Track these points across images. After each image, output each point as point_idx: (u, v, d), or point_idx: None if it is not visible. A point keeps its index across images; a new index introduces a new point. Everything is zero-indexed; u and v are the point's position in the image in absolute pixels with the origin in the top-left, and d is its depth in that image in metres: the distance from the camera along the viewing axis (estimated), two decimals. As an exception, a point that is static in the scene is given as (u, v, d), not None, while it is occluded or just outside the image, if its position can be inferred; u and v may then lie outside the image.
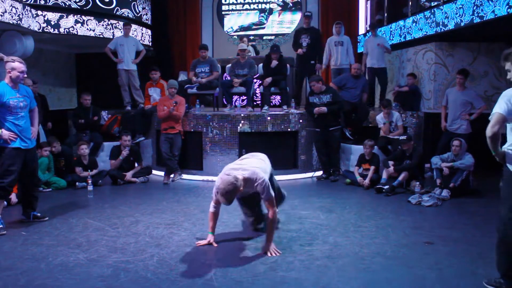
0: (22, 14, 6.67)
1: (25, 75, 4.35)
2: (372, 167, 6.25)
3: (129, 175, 6.59)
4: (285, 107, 7.35)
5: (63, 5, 7.65)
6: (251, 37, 11.40)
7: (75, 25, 7.82)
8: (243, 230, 4.32)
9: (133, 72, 8.10)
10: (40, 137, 7.05)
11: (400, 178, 5.86)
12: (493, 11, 5.42)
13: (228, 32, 11.58)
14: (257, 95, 8.67)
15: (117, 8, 8.48)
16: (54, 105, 8.98)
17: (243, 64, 7.42)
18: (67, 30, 7.72)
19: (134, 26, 8.61)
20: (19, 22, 6.55)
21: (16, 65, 4.23)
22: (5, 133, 4.22)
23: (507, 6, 5.15)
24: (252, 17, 11.57)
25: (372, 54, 8.02)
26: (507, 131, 2.88)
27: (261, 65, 7.71)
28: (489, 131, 2.76)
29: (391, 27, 8.72)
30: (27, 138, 4.38)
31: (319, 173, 6.97)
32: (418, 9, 7.72)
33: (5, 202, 5.10)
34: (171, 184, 6.56)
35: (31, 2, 7.23)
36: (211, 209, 3.90)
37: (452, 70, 7.33)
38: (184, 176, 6.88)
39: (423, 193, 5.48)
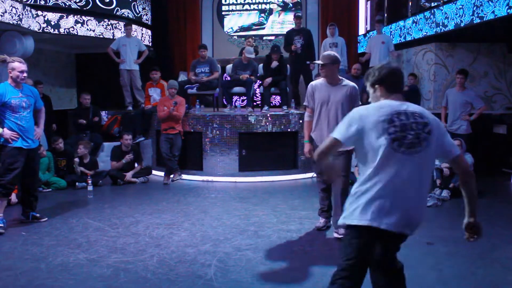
0: (22, 14, 6.67)
1: (25, 75, 4.36)
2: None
3: (129, 175, 6.59)
4: (285, 107, 7.35)
5: (63, 6, 7.65)
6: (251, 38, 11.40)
7: (75, 25, 7.82)
8: (244, 230, 4.32)
9: (135, 72, 8.09)
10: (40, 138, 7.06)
11: (400, 178, 5.85)
12: (493, 12, 5.42)
13: (228, 32, 11.58)
14: (257, 95, 8.67)
15: (117, 8, 8.48)
16: (54, 105, 8.96)
17: (246, 65, 7.40)
18: (67, 31, 7.72)
19: (134, 27, 8.61)
20: (19, 22, 6.55)
21: (16, 65, 4.26)
22: (7, 132, 4.24)
23: (507, 7, 5.16)
24: (252, 18, 11.57)
25: (375, 52, 7.89)
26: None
27: (261, 65, 7.71)
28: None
29: (391, 28, 8.73)
30: (29, 138, 4.38)
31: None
32: (418, 10, 7.73)
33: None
34: (171, 184, 6.56)
35: (31, 2, 7.23)
36: (306, 118, 4.16)
37: (452, 70, 7.34)
38: (184, 176, 6.88)
39: (423, 194, 5.47)
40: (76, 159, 6.43)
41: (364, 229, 2.03)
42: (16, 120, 4.28)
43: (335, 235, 4.04)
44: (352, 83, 4.06)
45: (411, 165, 2.01)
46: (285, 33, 11.22)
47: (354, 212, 2.06)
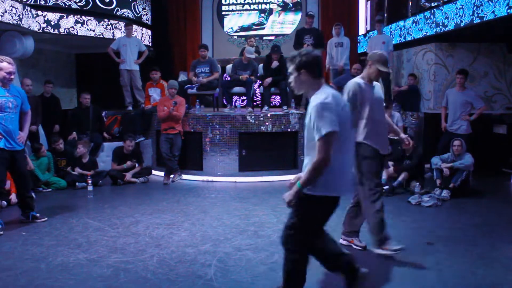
0: (22, 14, 6.67)
1: (13, 76, 4.29)
2: (372, 168, 6.23)
3: (129, 175, 6.59)
4: (285, 107, 7.35)
5: (63, 6, 7.65)
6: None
7: (75, 25, 7.82)
8: (244, 230, 4.32)
9: (135, 72, 8.09)
10: (40, 138, 7.06)
11: (400, 178, 5.86)
12: (493, 12, 5.42)
13: (228, 32, 11.58)
14: (257, 95, 8.67)
15: (117, 8, 8.48)
16: (54, 105, 8.98)
17: (246, 65, 7.41)
18: (67, 31, 7.72)
19: (134, 27, 8.61)
20: (19, 22, 6.55)
21: (4, 65, 4.19)
22: None
23: (507, 7, 5.16)
24: (252, 18, 11.57)
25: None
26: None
27: (261, 65, 7.71)
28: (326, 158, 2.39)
29: (391, 28, 8.73)
30: (13, 139, 4.30)
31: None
32: (418, 10, 7.73)
33: (5, 202, 5.13)
34: (171, 184, 6.56)
35: (31, 2, 7.23)
36: None
37: (452, 70, 7.34)
38: (184, 176, 6.88)
39: (423, 194, 5.47)
40: (69, 169, 6.46)
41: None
42: (1, 120, 4.20)
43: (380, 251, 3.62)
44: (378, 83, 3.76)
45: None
46: (285, 33, 11.30)
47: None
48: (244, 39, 11.42)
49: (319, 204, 2.51)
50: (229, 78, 7.85)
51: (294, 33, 8.79)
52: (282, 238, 2.65)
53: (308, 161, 2.50)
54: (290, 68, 2.56)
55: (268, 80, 7.33)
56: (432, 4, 7.22)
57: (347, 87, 3.58)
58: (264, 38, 11.46)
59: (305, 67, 2.48)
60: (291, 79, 2.59)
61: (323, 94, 2.45)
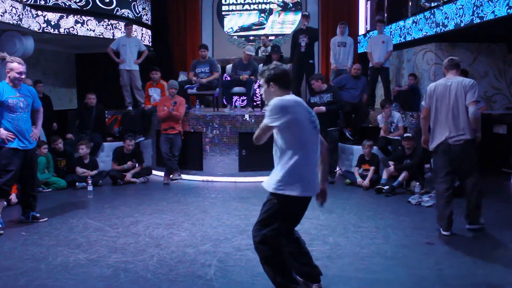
0: (22, 14, 6.67)
1: (24, 76, 4.33)
2: (372, 168, 6.24)
3: (129, 175, 6.59)
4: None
5: (63, 5, 7.65)
6: (251, 37, 11.41)
7: (75, 25, 7.82)
8: (244, 230, 4.31)
9: (135, 72, 8.10)
10: (40, 137, 7.06)
11: (400, 178, 5.86)
12: (493, 12, 5.42)
13: (228, 32, 11.58)
14: (257, 95, 8.67)
15: (117, 8, 8.48)
16: (54, 105, 8.97)
17: (246, 65, 7.41)
18: (67, 31, 7.73)
19: (134, 27, 8.61)
20: (19, 22, 6.55)
21: (15, 65, 4.23)
22: (3, 132, 4.21)
23: (507, 7, 5.16)
24: (252, 18, 11.57)
25: (376, 52, 7.91)
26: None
27: (261, 65, 7.71)
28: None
29: (391, 28, 8.73)
30: (25, 139, 4.35)
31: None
32: (418, 10, 7.73)
33: (5, 202, 5.12)
34: (171, 184, 6.56)
35: (31, 2, 7.23)
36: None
37: (452, 70, 7.32)
38: (184, 176, 6.88)
39: (423, 194, 5.47)
40: (79, 168, 6.45)
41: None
42: (13, 120, 4.25)
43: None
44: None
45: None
46: (285, 33, 11.30)
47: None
48: (244, 39, 11.44)
49: (287, 203, 2.66)
50: (229, 78, 7.85)
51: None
52: (253, 235, 2.74)
53: (276, 160, 2.93)
54: (261, 81, 2.76)
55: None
56: (432, 4, 7.23)
57: (476, 86, 4.05)
58: (264, 38, 11.44)
59: (273, 80, 2.69)
60: (262, 91, 2.80)
61: (284, 97, 2.66)
